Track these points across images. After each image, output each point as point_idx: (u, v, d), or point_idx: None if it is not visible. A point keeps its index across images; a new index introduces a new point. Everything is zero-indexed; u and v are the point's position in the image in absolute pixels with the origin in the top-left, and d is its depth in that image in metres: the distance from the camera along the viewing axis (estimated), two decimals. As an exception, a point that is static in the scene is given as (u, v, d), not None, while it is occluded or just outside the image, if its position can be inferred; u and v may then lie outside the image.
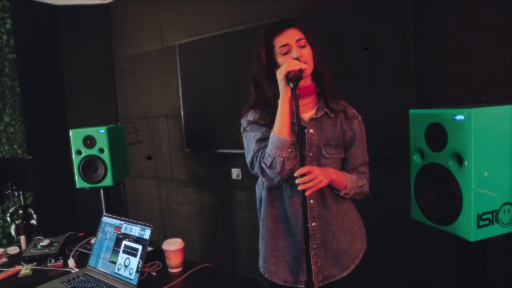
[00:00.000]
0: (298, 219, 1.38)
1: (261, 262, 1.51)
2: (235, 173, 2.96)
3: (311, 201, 1.41)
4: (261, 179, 1.45)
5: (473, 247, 1.36)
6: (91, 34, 3.74)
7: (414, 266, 2.15)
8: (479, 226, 1.26)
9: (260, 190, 1.50)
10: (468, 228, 1.26)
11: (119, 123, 3.32)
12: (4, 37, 3.23)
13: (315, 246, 1.41)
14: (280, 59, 1.36)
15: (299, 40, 1.35)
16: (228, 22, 2.81)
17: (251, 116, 1.44)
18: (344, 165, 1.47)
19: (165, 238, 1.78)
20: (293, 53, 1.33)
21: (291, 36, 1.35)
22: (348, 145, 1.46)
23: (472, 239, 1.26)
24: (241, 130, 1.46)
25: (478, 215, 1.25)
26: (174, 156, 3.42)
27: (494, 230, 1.29)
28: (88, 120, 3.35)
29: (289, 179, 1.34)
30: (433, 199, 1.41)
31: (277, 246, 1.45)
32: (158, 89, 3.44)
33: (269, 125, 1.35)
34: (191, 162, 3.30)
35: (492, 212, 1.27)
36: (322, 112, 1.42)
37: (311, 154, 1.40)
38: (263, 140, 1.37)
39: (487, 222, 1.27)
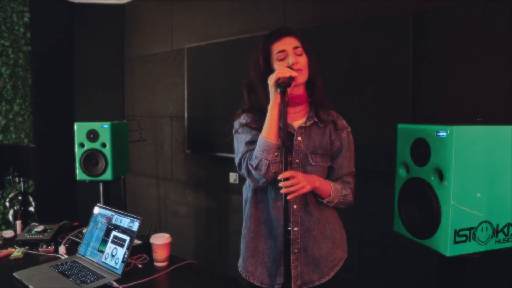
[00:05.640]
0: (280, 223, 1.42)
1: (240, 262, 1.54)
2: (233, 177, 3.01)
3: (295, 206, 1.44)
4: (248, 181, 1.49)
5: (450, 262, 1.38)
6: (105, 32, 3.86)
7: (395, 278, 2.16)
8: (455, 242, 1.28)
9: (247, 191, 1.54)
10: (444, 243, 1.28)
11: (124, 120, 3.40)
12: (21, 29, 3.35)
13: (296, 251, 1.44)
14: (276, 65, 1.41)
15: (296, 48, 1.40)
16: (237, 29, 2.88)
17: (243, 119, 1.49)
18: (329, 174, 1.51)
19: (155, 233, 1.82)
20: (289, 59, 1.37)
21: (288, 43, 1.40)
22: (335, 154, 1.49)
23: (448, 254, 1.28)
24: (233, 131, 1.52)
25: (455, 230, 1.27)
26: (175, 157, 3.48)
27: (471, 247, 1.30)
28: (95, 115, 3.44)
29: (275, 182, 1.38)
30: (415, 212, 1.43)
31: (258, 247, 1.48)
32: (165, 90, 3.52)
33: (260, 129, 1.39)
34: (191, 164, 3.35)
35: (469, 229, 1.29)
36: (312, 121, 1.46)
37: (297, 160, 1.44)
38: (252, 143, 1.42)
39: (464, 238, 1.29)
